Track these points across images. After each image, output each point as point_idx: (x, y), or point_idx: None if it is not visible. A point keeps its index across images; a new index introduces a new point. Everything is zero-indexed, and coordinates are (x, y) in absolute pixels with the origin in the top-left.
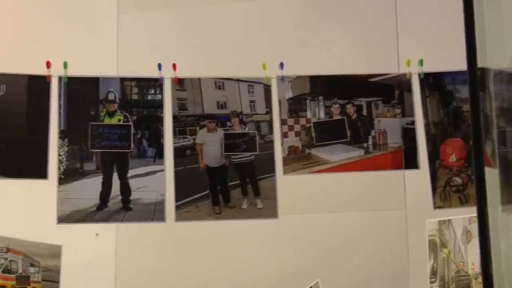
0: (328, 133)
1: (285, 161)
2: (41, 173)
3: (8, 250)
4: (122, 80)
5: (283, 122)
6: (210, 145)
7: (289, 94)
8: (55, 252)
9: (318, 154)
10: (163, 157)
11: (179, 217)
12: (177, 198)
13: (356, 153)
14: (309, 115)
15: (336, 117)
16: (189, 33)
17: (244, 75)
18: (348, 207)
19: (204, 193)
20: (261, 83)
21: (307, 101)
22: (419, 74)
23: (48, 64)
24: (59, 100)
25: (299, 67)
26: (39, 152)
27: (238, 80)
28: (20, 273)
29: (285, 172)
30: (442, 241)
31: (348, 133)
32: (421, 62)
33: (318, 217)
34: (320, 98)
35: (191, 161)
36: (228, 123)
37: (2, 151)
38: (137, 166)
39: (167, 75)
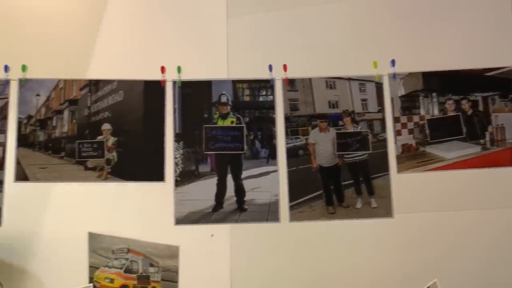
0: (442, 130)
1: (399, 159)
2: (159, 176)
3: (129, 250)
4: (234, 82)
5: (396, 120)
6: (323, 144)
7: (402, 92)
8: (173, 252)
9: (432, 151)
10: (276, 157)
11: (293, 217)
12: (291, 198)
13: (472, 150)
14: (422, 112)
15: (450, 114)
16: (298, 34)
17: (355, 74)
18: (465, 205)
19: (318, 193)
20: (372, 81)
21: (420, 98)
22: None
23: (162, 69)
24: (174, 104)
25: (411, 63)
26: (156, 155)
27: (349, 79)
28: (141, 273)
29: (399, 170)
30: None
31: (464, 130)
32: None
33: (435, 215)
34: (434, 94)
35: (304, 161)
36: (340, 122)
37: (121, 155)
38: (251, 167)
39: (278, 76)
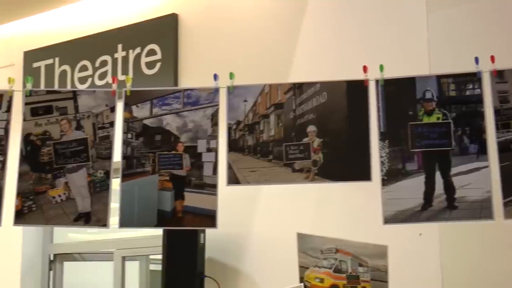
0: None
1: None
2: (365, 175)
3: (337, 250)
4: (439, 77)
5: None
6: None
7: None
8: (381, 252)
9: None
10: (487, 153)
11: (508, 215)
12: (505, 195)
13: None
14: None
15: None
16: (505, 22)
17: None
18: None
19: None
20: None
21: None
22: None
23: (365, 69)
24: (377, 102)
25: None
26: (361, 154)
27: None
28: (350, 273)
29: None
30: None
31: None
32: None
33: None
34: None
35: None
36: None
37: (326, 156)
38: (459, 163)
39: (485, 68)
